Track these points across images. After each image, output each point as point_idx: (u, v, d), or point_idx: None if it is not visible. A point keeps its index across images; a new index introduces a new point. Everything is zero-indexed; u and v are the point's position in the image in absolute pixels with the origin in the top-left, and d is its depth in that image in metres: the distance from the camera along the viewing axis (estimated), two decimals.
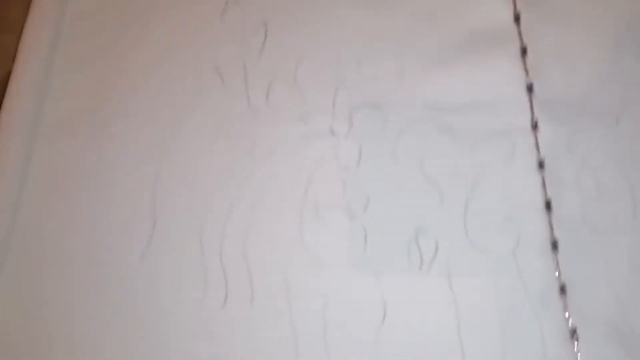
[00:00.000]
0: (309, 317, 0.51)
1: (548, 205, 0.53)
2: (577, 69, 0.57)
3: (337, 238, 0.53)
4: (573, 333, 0.50)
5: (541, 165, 0.54)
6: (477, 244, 0.53)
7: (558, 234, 0.52)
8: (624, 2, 0.59)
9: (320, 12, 0.60)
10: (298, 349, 0.50)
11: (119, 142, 0.57)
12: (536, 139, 0.55)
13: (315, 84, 0.58)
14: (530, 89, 0.56)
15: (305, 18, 0.60)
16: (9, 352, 0.51)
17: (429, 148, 0.55)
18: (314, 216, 0.54)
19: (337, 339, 0.51)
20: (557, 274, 0.51)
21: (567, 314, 0.50)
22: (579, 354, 0.49)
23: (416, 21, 0.60)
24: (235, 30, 0.60)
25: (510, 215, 0.53)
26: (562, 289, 0.51)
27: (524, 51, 0.57)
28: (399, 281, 0.52)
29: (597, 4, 0.60)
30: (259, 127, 0.57)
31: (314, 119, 0.56)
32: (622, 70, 0.57)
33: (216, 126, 0.57)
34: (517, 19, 0.59)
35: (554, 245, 0.52)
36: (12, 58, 0.60)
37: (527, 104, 0.56)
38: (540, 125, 0.55)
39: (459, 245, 0.53)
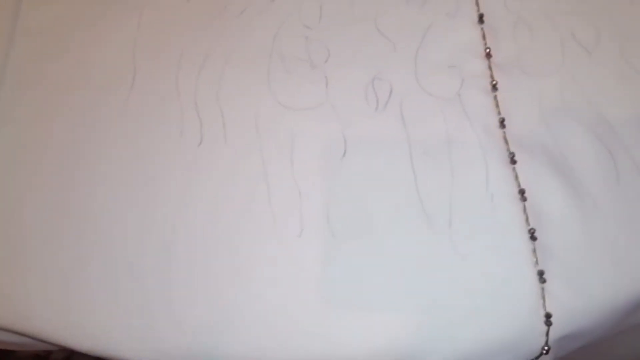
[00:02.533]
0: (277, 155, 0.57)
1: (488, 53, 0.60)
2: None
3: (301, 84, 0.59)
4: (512, 157, 0.56)
5: (481, 19, 0.61)
6: (425, 87, 0.59)
7: (497, 77, 0.59)
8: None
9: None
10: (268, 180, 0.56)
11: None
12: None
13: None
14: None
15: None
16: None
17: (382, 7, 0.61)
18: (280, 66, 0.59)
19: (304, 172, 0.56)
20: (497, 110, 0.58)
21: (506, 143, 0.57)
22: (518, 175, 0.56)
23: None
24: None
25: (455, 62, 0.60)
26: (502, 122, 0.57)
27: None
28: (357, 119, 0.58)
29: None
30: None
31: None
32: None
33: None
34: None
35: (494, 87, 0.59)
36: None
37: None
38: None
39: (410, 89, 0.59)
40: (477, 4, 0.61)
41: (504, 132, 0.57)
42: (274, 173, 0.56)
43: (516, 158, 0.56)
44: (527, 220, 0.54)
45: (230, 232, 0.54)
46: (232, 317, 0.52)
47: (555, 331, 0.51)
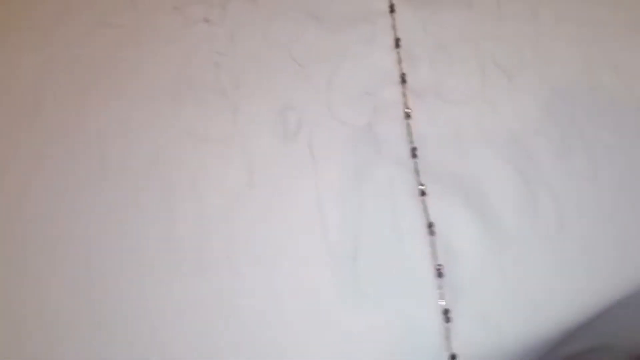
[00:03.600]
0: (182, 187, 0.55)
1: (403, 79, 0.58)
2: None
3: (210, 114, 0.57)
4: (422, 190, 0.54)
5: (397, 43, 0.59)
6: (337, 116, 0.57)
7: (412, 104, 0.57)
8: None
9: None
10: (174, 215, 0.54)
11: None
12: (393, 20, 0.59)
13: None
14: None
15: None
16: None
17: (296, 33, 0.60)
18: (189, 95, 0.58)
19: (209, 206, 0.55)
20: (409, 139, 0.56)
21: (417, 174, 0.55)
22: (427, 208, 0.54)
23: None
24: None
25: (369, 89, 0.58)
26: (414, 152, 0.55)
27: None
28: (265, 151, 0.56)
29: None
30: (139, 18, 0.60)
31: (190, 8, 0.60)
32: None
33: (99, 17, 0.61)
34: None
35: (407, 115, 0.57)
36: None
37: None
38: (398, 9, 0.60)
39: (321, 118, 0.57)
40: (393, 28, 0.59)
41: (416, 162, 0.55)
42: (179, 208, 0.54)
43: (427, 190, 0.54)
44: (434, 255, 0.52)
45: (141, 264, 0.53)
46: None
47: None
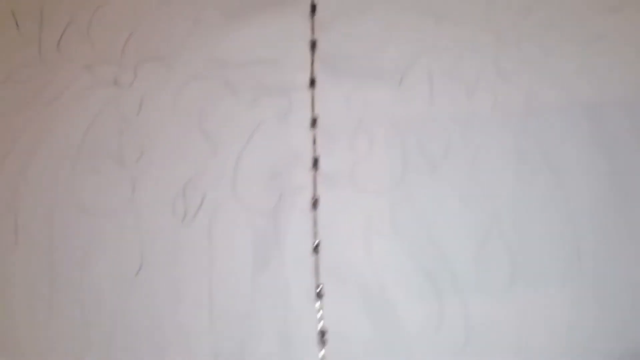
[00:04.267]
0: (68, 265, 0.52)
1: (315, 163, 0.53)
2: (365, 29, 0.56)
3: (106, 186, 0.54)
4: (319, 292, 0.50)
5: (314, 123, 0.54)
6: (242, 199, 0.53)
7: (321, 192, 0.52)
8: None
9: None
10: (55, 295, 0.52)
11: None
12: (312, 96, 0.54)
13: (108, 34, 0.57)
14: (313, 46, 0.55)
15: None
16: None
17: (209, 103, 0.55)
18: (87, 162, 0.54)
19: (96, 289, 0.52)
20: (314, 231, 0.51)
21: (316, 274, 0.50)
22: (321, 310, 0.50)
23: None
24: None
25: (278, 171, 0.53)
26: (316, 248, 0.51)
27: (313, 9, 0.56)
28: (160, 232, 0.52)
29: None
30: (47, 74, 0.57)
31: (100, 68, 0.56)
32: (408, 31, 0.56)
33: (7, 72, 0.57)
34: None
35: (314, 204, 0.52)
36: None
37: (309, 62, 0.55)
38: (320, 83, 0.55)
39: (224, 200, 0.53)
40: (312, 104, 0.55)
41: (316, 259, 0.51)
42: (62, 289, 0.52)
43: (325, 290, 0.50)
44: None
45: None
46: None
47: None
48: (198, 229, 0.52)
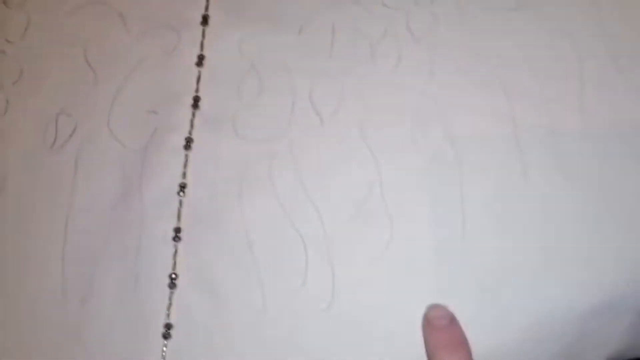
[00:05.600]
0: None
1: (195, 103, 0.50)
2: None
3: None
4: (175, 236, 0.47)
5: (200, 62, 0.51)
6: (115, 132, 0.50)
7: (198, 134, 0.50)
8: None
9: None
10: None
11: None
12: (203, 35, 0.52)
13: None
14: None
15: None
16: None
17: (97, 30, 0.53)
18: None
19: None
20: (183, 173, 0.49)
21: (178, 217, 0.47)
22: (177, 257, 0.47)
23: None
24: None
25: (156, 108, 0.50)
26: (182, 188, 0.48)
27: None
28: (27, 157, 0.50)
29: None
30: None
31: None
32: None
33: None
34: None
35: (188, 144, 0.49)
36: None
37: None
38: (213, 21, 0.52)
39: (97, 131, 0.50)
40: (202, 43, 0.52)
41: (180, 201, 0.48)
42: None
43: (182, 235, 0.47)
44: (169, 311, 0.45)
45: None
46: None
47: None
48: (65, 157, 0.50)
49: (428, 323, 0.43)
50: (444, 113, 0.49)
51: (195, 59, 0.51)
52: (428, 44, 0.51)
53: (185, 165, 0.49)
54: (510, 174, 0.47)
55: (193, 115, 0.50)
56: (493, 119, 0.49)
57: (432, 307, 0.44)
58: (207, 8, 0.52)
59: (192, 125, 0.50)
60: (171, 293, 0.46)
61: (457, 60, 0.51)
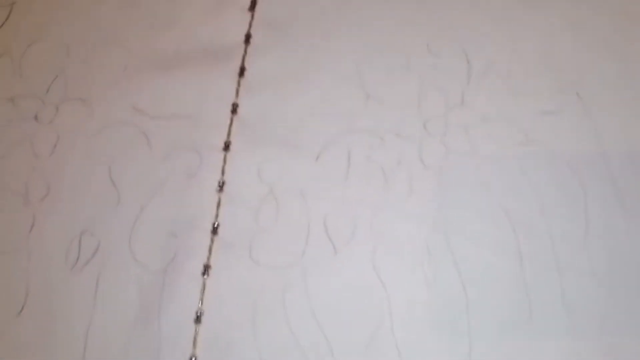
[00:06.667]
0: None
1: (214, 229, 0.52)
2: (289, 100, 0.56)
3: (5, 224, 0.53)
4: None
5: (221, 187, 0.53)
6: (135, 253, 0.52)
7: (216, 260, 0.51)
8: (356, 41, 0.58)
9: None
10: None
11: None
12: (224, 160, 0.54)
13: (38, 69, 0.58)
14: (234, 109, 0.55)
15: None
16: None
17: (122, 150, 0.55)
18: None
19: None
20: (200, 299, 0.50)
21: (194, 346, 0.49)
22: None
23: (154, 20, 0.59)
24: None
25: (176, 231, 0.52)
26: (199, 317, 0.50)
27: (241, 71, 0.56)
28: (49, 276, 0.51)
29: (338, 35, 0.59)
30: None
31: (24, 102, 0.57)
32: (333, 106, 0.55)
33: None
34: (247, 39, 0.58)
35: (206, 270, 0.51)
36: None
37: (228, 124, 0.55)
38: (234, 147, 0.54)
39: (118, 252, 0.52)
40: (223, 168, 0.54)
41: (196, 330, 0.49)
42: None
43: None
44: None
45: None
46: None
47: None
48: (87, 278, 0.51)
49: None
50: (453, 247, 0.51)
51: (216, 185, 0.53)
52: (438, 174, 0.53)
53: (202, 292, 0.50)
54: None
55: (212, 241, 0.52)
56: (498, 249, 0.51)
57: None
58: (229, 134, 0.55)
59: (210, 252, 0.51)
60: None
61: (466, 190, 0.53)
